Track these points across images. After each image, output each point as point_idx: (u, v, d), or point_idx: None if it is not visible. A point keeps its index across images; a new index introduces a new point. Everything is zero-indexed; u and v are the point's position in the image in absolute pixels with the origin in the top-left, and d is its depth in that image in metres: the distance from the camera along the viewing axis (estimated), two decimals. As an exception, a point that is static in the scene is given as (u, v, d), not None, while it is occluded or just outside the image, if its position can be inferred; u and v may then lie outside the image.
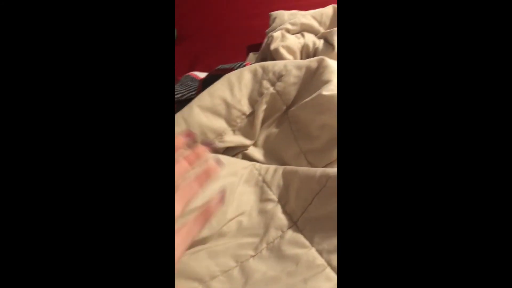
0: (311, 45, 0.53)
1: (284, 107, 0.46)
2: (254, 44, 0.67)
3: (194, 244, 0.40)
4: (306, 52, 0.53)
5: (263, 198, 0.45)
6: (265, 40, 0.56)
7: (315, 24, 0.57)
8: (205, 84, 0.50)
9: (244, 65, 0.50)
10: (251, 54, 0.64)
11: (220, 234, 0.41)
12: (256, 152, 0.48)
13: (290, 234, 0.39)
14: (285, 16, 0.59)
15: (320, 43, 0.53)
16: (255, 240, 0.41)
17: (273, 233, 0.41)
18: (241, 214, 0.43)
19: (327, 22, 0.58)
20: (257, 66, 0.47)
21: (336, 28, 0.52)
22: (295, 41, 0.53)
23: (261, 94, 0.46)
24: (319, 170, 0.40)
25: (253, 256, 0.40)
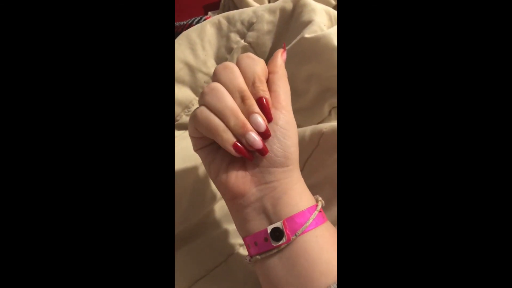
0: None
1: (260, 63, 0.39)
2: (211, 3, 0.58)
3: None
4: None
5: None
6: (225, -9, 0.47)
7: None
8: (159, 46, 0.41)
9: (204, 19, 0.41)
10: (210, 13, 0.55)
11: (199, 226, 0.34)
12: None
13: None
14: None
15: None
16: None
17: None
18: (222, 198, 0.36)
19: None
20: (220, 17, 0.39)
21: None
22: (260, -14, 0.45)
23: (230, 50, 0.38)
24: (308, 129, 0.33)
25: (242, 245, 0.33)
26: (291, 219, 0.23)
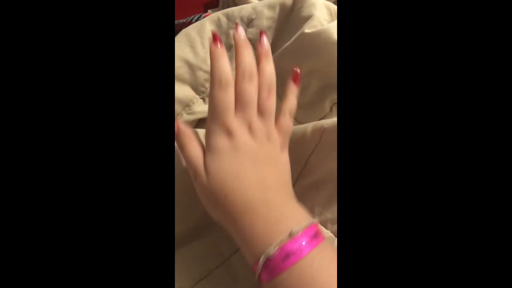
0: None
1: (260, 60, 0.38)
2: (211, 1, 0.58)
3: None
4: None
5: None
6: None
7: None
8: (158, 45, 0.41)
9: (204, 17, 0.41)
10: (209, 11, 0.55)
11: (200, 226, 0.34)
12: (233, 120, 0.39)
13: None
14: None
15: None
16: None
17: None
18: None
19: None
20: (220, 14, 0.38)
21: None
22: (259, -18, 0.44)
23: (230, 47, 0.37)
24: (310, 125, 0.33)
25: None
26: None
